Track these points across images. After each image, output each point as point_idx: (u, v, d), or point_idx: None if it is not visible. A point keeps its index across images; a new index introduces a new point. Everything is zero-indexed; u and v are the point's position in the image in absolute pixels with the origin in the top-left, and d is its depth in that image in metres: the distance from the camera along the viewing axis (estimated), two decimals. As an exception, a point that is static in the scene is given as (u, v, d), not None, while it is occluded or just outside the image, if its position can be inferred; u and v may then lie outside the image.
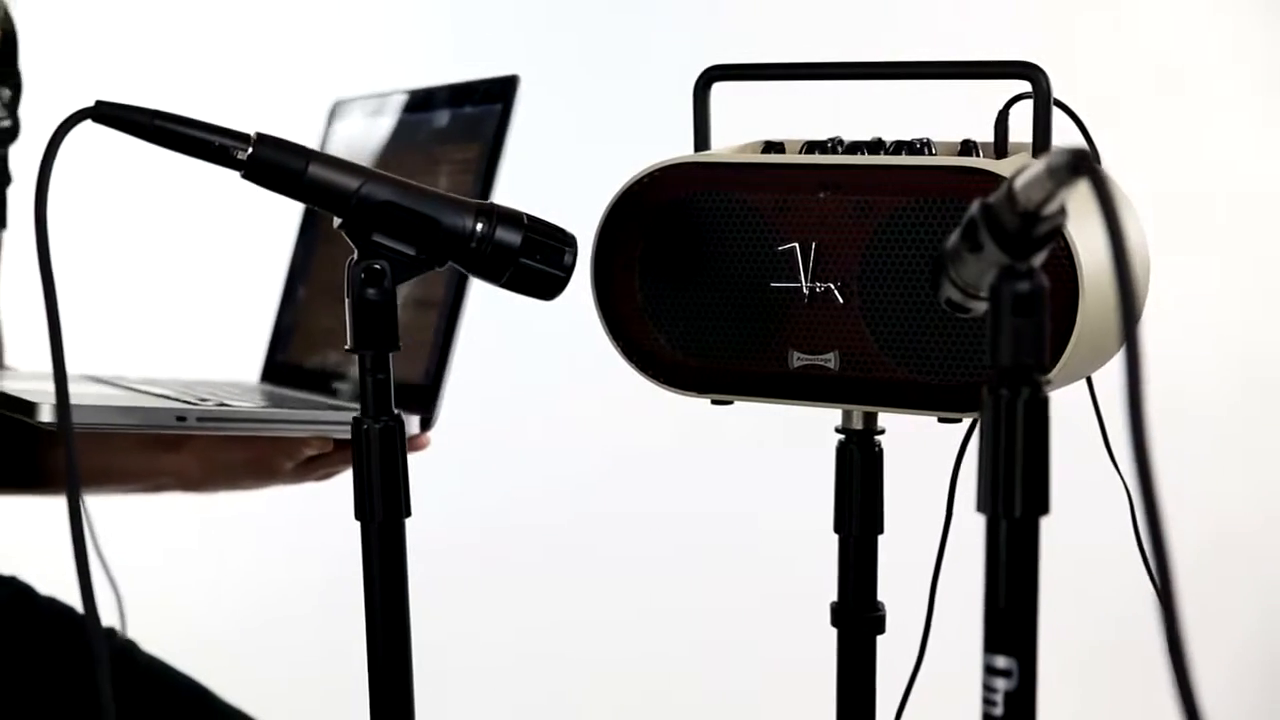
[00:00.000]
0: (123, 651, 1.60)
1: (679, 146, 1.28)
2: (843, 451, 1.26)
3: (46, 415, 1.26)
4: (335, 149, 1.73)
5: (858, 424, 1.26)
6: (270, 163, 1.07)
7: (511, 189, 1.28)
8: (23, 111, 1.48)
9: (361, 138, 1.70)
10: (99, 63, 2.50)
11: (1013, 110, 1.22)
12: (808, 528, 1.47)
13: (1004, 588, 0.86)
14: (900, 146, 1.22)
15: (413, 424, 1.39)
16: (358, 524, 1.13)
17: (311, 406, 1.49)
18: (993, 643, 0.86)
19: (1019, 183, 0.81)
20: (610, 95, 2.45)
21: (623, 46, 2.48)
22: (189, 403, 1.37)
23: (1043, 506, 0.86)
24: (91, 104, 1.02)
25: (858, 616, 1.28)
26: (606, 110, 2.47)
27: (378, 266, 1.08)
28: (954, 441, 1.30)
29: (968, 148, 1.23)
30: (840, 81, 1.26)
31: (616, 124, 2.41)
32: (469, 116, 1.53)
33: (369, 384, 1.10)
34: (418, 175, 1.58)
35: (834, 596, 1.28)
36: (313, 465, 1.47)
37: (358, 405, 1.43)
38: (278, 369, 1.71)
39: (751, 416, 1.38)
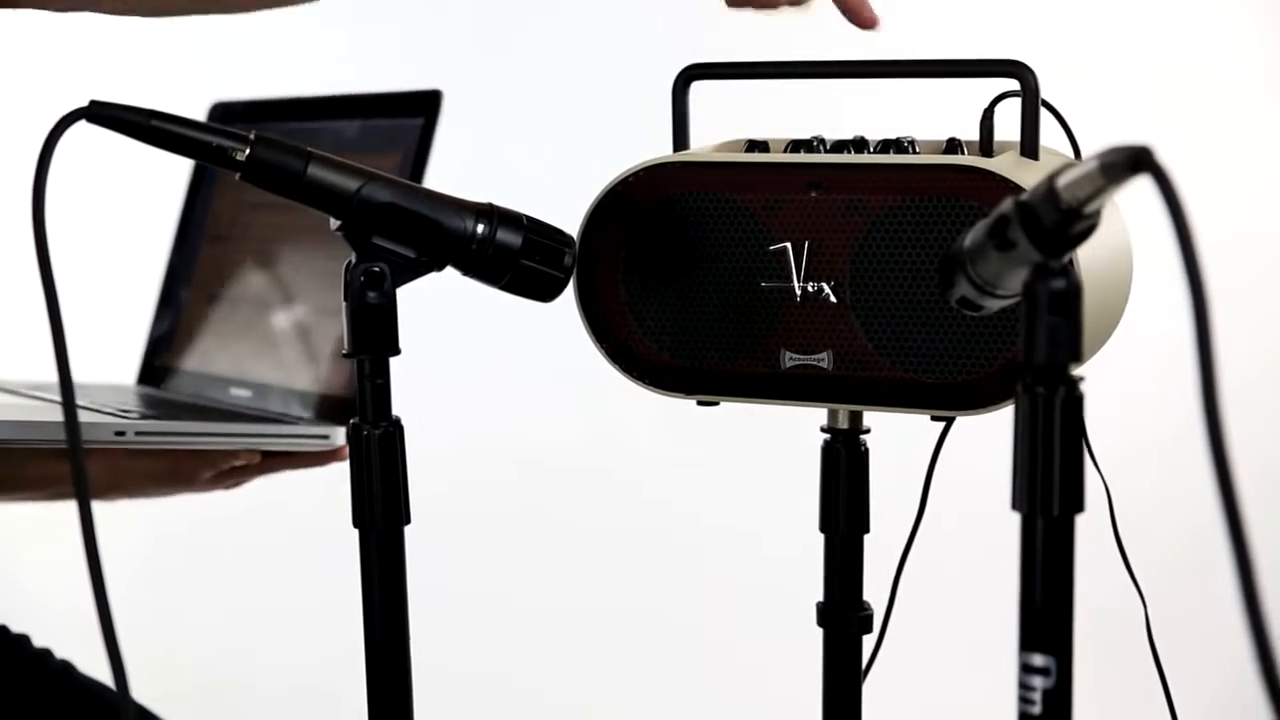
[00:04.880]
0: (61, 673, 1.56)
1: (656, 146, 1.27)
2: (829, 451, 1.26)
3: None
4: None
5: (844, 423, 1.25)
6: (269, 163, 1.04)
7: (483, 189, 1.26)
8: (15, 111, 1.44)
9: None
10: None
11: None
12: (792, 527, 1.47)
13: (1040, 586, 0.86)
14: (886, 145, 1.22)
15: (339, 435, 1.38)
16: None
17: (241, 417, 1.46)
18: (1029, 641, 0.86)
19: (1063, 180, 0.81)
20: (586, 94, 2.42)
21: (600, 45, 2.46)
22: (125, 416, 1.35)
23: (1078, 504, 0.86)
24: (86, 104, 1.00)
25: (844, 616, 1.27)
26: (582, 109, 2.44)
27: (377, 269, 1.06)
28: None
29: (953, 146, 1.23)
30: (822, 80, 1.26)
31: (592, 123, 2.39)
32: (385, 128, 1.51)
33: (368, 389, 1.08)
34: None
35: (819, 596, 1.28)
36: (231, 474, 1.44)
37: (299, 417, 1.42)
38: (160, 372, 1.67)
39: (735, 416, 1.37)
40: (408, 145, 1.44)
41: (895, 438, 1.32)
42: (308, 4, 1.16)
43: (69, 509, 1.50)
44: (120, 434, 1.31)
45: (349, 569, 1.13)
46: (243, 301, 1.60)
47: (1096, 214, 0.83)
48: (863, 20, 1.21)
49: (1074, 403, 0.84)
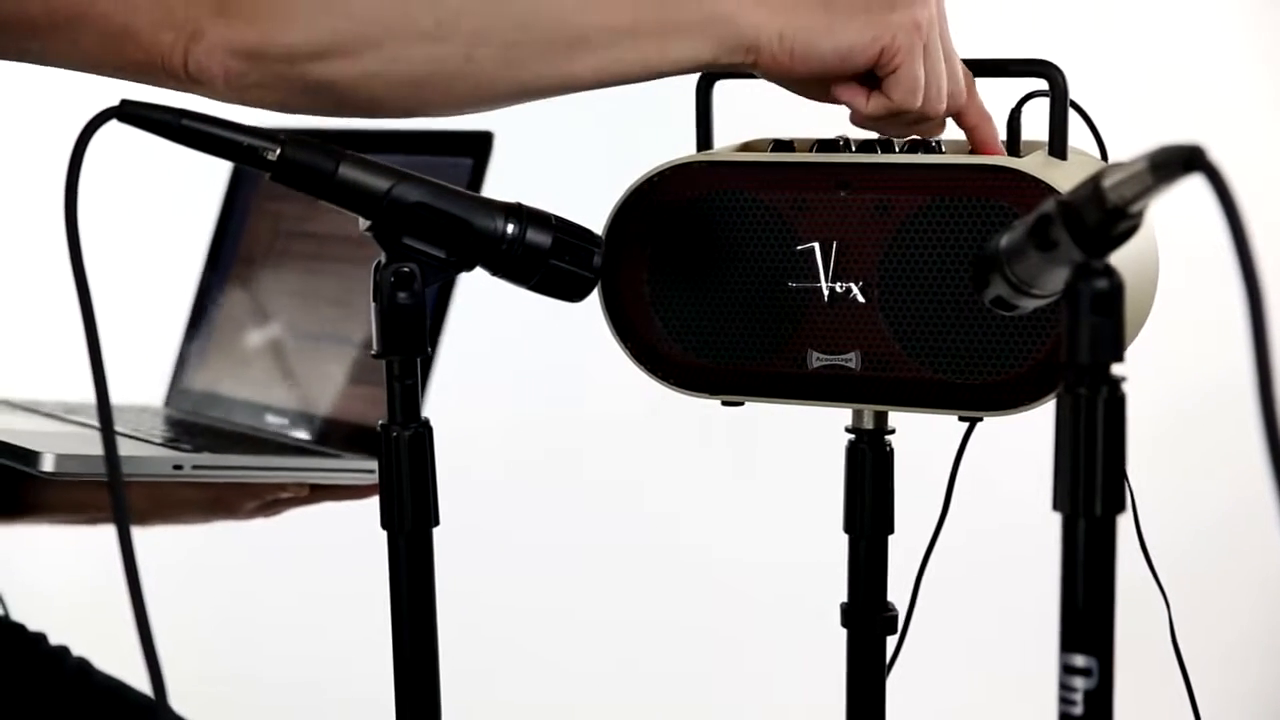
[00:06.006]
0: (79, 671, 1.56)
1: (679, 146, 1.26)
2: (853, 451, 1.25)
3: (49, 465, 1.24)
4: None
5: (868, 423, 1.25)
6: (300, 163, 1.04)
7: (506, 188, 1.26)
8: (45, 110, 1.43)
9: None
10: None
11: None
12: (816, 528, 1.46)
13: (1082, 587, 0.86)
14: (913, 145, 1.22)
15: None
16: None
17: (290, 450, 1.46)
18: (1070, 642, 0.86)
19: (1109, 179, 0.81)
20: (609, 93, 2.40)
21: None
22: (180, 449, 1.35)
23: (1120, 504, 0.85)
24: (116, 103, 0.99)
25: (868, 617, 1.27)
26: (606, 108, 2.42)
27: (407, 270, 1.06)
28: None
29: (981, 146, 1.23)
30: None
31: (615, 123, 2.37)
32: (433, 166, 1.49)
33: (397, 390, 1.07)
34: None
35: (844, 597, 1.28)
36: (274, 505, 1.44)
37: (355, 456, 1.41)
38: (188, 396, 1.66)
39: (759, 417, 1.37)
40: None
41: (920, 438, 1.32)
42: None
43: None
44: (178, 468, 1.31)
45: (371, 570, 1.13)
46: (278, 327, 1.60)
47: (1141, 214, 0.82)
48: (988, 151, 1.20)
49: (1117, 403, 0.84)
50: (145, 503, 1.44)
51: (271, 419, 1.54)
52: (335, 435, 1.47)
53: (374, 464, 1.36)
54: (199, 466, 1.31)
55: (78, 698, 1.52)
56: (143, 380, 1.69)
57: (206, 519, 1.47)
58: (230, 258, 1.67)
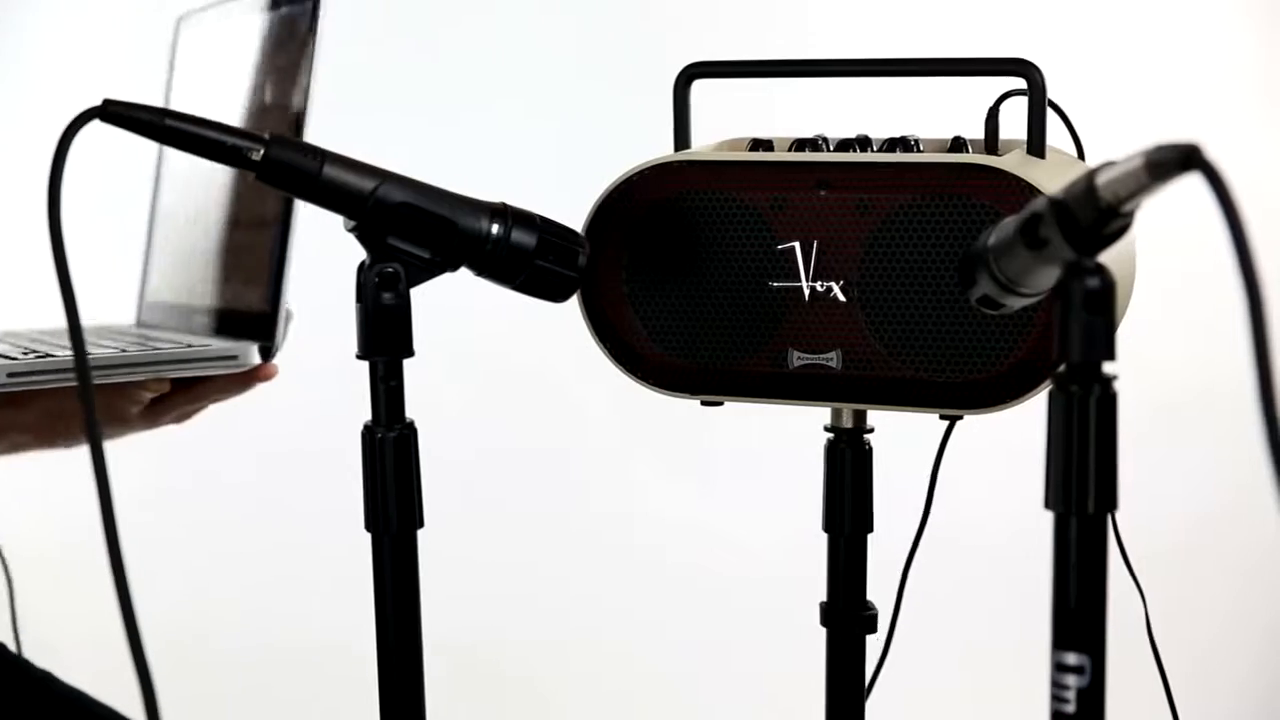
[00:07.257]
0: (41, 682, 1.54)
1: (655, 145, 1.26)
2: (832, 450, 1.26)
3: None
4: (189, 65, 1.61)
5: (847, 422, 1.25)
6: (284, 163, 1.03)
7: (484, 188, 1.26)
8: (29, 110, 1.41)
9: (215, 49, 1.60)
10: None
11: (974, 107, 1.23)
12: (794, 527, 1.46)
13: (1075, 584, 0.86)
14: (893, 144, 1.22)
15: (253, 354, 1.29)
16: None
17: (145, 346, 1.36)
18: (1063, 640, 0.86)
19: (1104, 178, 0.81)
20: (586, 93, 2.40)
21: (601, 44, 2.44)
22: (9, 357, 1.29)
23: (1112, 502, 0.86)
24: (99, 103, 0.98)
25: (848, 616, 1.27)
26: (583, 108, 2.42)
27: (391, 270, 1.05)
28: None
29: (958, 144, 1.23)
30: (824, 78, 1.26)
31: (592, 122, 2.36)
32: (283, 18, 1.44)
33: (381, 392, 1.07)
34: (284, 83, 1.46)
35: (823, 596, 1.28)
36: (160, 409, 1.39)
37: (193, 341, 1.36)
38: (150, 309, 1.63)
39: (737, 416, 1.37)
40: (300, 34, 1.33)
41: (896, 437, 1.32)
42: None
43: (53, 525, 1.48)
44: (13, 375, 1.23)
45: (351, 572, 1.12)
46: (208, 226, 1.56)
47: (1133, 213, 0.83)
48: None
49: (1108, 400, 0.84)
50: (47, 423, 1.38)
51: (198, 319, 1.49)
52: (218, 326, 1.40)
53: (236, 348, 1.28)
54: (18, 374, 1.23)
55: (42, 707, 1.50)
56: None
57: (110, 431, 1.40)
58: (171, 164, 1.63)
